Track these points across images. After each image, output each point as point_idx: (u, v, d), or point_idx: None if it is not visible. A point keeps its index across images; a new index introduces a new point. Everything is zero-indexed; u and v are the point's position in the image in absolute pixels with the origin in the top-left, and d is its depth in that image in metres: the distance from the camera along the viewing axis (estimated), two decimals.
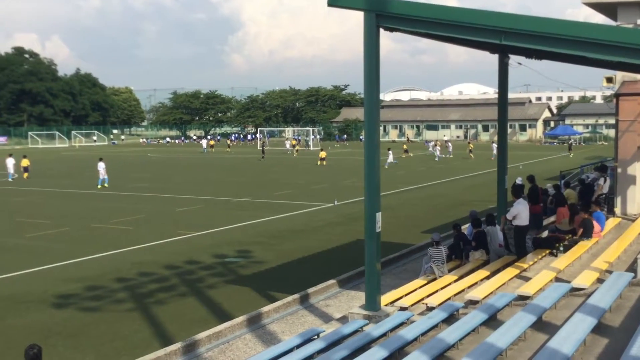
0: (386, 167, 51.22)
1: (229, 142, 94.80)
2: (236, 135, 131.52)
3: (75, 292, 15.80)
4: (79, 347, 12.05)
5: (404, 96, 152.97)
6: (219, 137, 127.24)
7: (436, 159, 63.33)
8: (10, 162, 46.41)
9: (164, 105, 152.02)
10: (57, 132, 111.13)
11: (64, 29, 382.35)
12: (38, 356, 7.86)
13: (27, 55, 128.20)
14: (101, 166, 39.81)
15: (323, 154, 59.36)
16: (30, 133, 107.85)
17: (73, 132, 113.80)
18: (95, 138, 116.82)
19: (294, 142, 79.69)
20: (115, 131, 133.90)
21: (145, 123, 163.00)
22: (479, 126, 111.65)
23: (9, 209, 30.57)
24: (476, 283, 12.99)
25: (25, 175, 46.19)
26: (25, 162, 46.84)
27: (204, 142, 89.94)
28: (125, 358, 10.90)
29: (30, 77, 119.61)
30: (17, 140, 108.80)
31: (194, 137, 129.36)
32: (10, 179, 45.09)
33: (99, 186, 39.29)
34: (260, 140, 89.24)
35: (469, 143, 71.11)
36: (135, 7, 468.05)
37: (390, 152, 55.46)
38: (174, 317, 13.85)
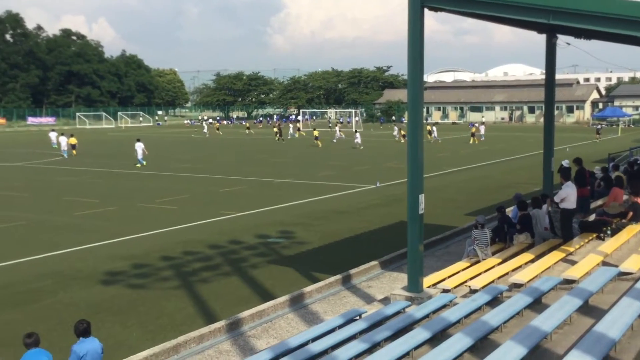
0: (334, 141, 53.87)
1: (247, 124, 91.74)
2: (278, 116, 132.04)
3: (123, 270, 16.14)
4: (126, 324, 12.33)
5: (448, 77, 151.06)
6: (261, 119, 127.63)
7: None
8: (63, 140, 48.95)
9: (207, 87, 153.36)
10: (103, 113, 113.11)
11: (110, 12, 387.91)
12: (87, 331, 8.11)
13: (74, 37, 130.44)
14: (139, 146, 41.19)
15: (316, 133, 60.03)
16: (78, 114, 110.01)
17: (119, 113, 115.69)
18: (141, 119, 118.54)
19: (298, 125, 74.19)
20: (159, 112, 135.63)
21: (189, 104, 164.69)
22: (525, 108, 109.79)
23: (59, 188, 31.31)
24: (520, 266, 12.85)
25: (74, 152, 48.90)
26: (72, 141, 49.81)
27: (205, 125, 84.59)
28: (171, 334, 11.11)
29: (78, 58, 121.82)
30: (66, 120, 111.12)
31: (202, 118, 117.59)
32: (65, 156, 47.40)
33: (138, 165, 40.55)
34: (277, 122, 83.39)
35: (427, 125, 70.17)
36: None
37: (357, 133, 56.12)
38: (218, 296, 14.06)
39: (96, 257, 17.52)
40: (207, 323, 11.82)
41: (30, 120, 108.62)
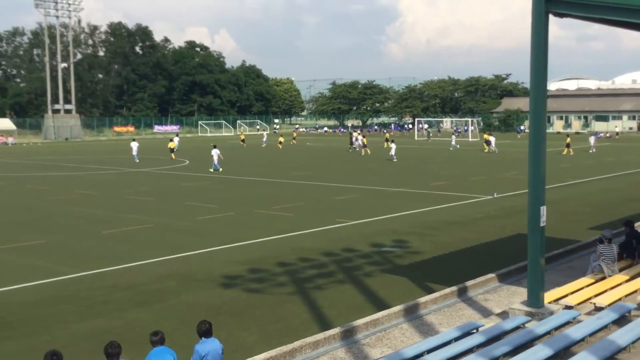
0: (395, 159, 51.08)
1: (294, 133, 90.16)
2: (394, 125, 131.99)
3: (240, 274, 16.61)
4: (244, 326, 12.67)
5: (571, 85, 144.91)
6: (375, 127, 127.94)
7: (450, 148, 65.27)
8: (135, 145, 53.88)
9: (323, 96, 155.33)
10: (223, 122, 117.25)
11: (231, 23, 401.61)
12: (209, 331, 8.43)
13: (198, 49, 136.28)
14: (215, 152, 44.26)
15: (365, 140, 60.47)
16: (200, 122, 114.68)
17: (238, 122, 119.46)
18: (258, 127, 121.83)
19: (357, 135, 69.90)
20: (276, 120, 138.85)
21: (304, 113, 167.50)
22: None
23: (181, 193, 32.71)
24: None
25: (173, 156, 54.18)
26: (172, 144, 55.75)
27: (265, 135, 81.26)
28: (287, 339, 11.29)
29: (201, 69, 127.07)
30: (188, 129, 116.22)
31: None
32: (137, 161, 51.88)
33: (211, 170, 43.41)
34: (354, 132, 76.87)
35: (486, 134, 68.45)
36: (296, 0, 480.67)
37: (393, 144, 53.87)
38: (332, 303, 14.16)
39: (216, 260, 18.14)
40: (322, 329, 11.94)
41: (157, 128, 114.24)
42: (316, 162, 51.23)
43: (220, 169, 43.24)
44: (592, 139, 63.47)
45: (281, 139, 74.40)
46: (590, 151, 60.11)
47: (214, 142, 54.50)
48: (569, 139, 59.23)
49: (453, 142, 69.35)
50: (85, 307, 14.04)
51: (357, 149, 63.13)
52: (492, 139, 62.99)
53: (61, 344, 11.11)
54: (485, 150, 61.77)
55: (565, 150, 56.86)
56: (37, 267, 17.42)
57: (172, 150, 55.31)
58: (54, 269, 17.22)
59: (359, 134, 69.70)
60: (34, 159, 58.42)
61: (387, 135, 77.95)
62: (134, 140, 57.01)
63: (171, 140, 58.35)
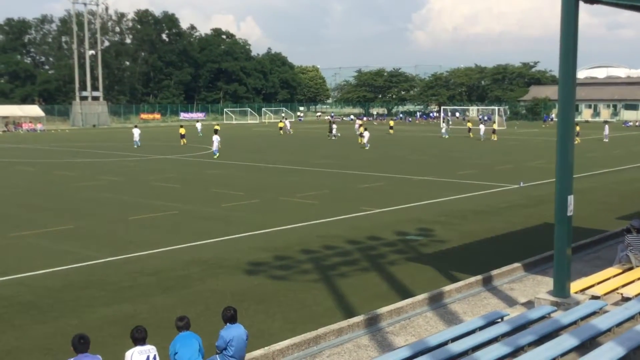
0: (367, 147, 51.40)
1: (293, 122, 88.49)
2: (419, 113, 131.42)
3: (265, 261, 16.69)
4: (269, 313, 12.74)
5: (600, 73, 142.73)
6: (400, 116, 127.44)
7: (446, 136, 66.39)
8: (136, 132, 55.43)
9: (348, 83, 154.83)
10: (249, 109, 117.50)
11: (257, 11, 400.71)
12: (234, 317, 8.49)
13: (224, 36, 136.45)
14: (216, 139, 45.63)
15: (362, 130, 59.26)
16: (225, 110, 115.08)
17: (263, 109, 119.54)
18: (283, 114, 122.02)
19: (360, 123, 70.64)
20: (301, 108, 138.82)
21: (329, 101, 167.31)
22: None
23: (206, 180, 32.90)
24: None
25: (183, 141, 56.22)
26: (182, 131, 57.72)
27: (287, 123, 78.87)
28: (311, 326, 11.34)
29: (227, 56, 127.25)
30: (214, 116, 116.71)
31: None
32: (138, 146, 53.83)
33: (215, 156, 44.36)
34: (330, 118, 78.54)
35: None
36: None
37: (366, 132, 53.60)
38: (356, 291, 14.18)
39: (240, 247, 18.24)
40: (345, 317, 11.97)
41: (183, 115, 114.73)
42: (344, 150, 51.11)
43: (216, 156, 44.15)
44: (606, 128, 61.56)
45: (281, 125, 75.68)
46: (605, 140, 59.03)
47: (216, 128, 56.46)
48: (578, 128, 57.77)
49: (443, 131, 68.32)
50: (112, 291, 14.22)
51: (336, 136, 64.23)
52: (481, 127, 64.36)
53: (88, 327, 11.28)
54: (471, 136, 65.26)
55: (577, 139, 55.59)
56: (65, 252, 17.68)
57: (182, 136, 57.03)
58: (82, 254, 17.46)
59: (332, 122, 71.20)
60: (62, 145, 59.19)
61: (391, 122, 77.92)
62: (135, 127, 58.62)
63: (181, 126, 60.58)
